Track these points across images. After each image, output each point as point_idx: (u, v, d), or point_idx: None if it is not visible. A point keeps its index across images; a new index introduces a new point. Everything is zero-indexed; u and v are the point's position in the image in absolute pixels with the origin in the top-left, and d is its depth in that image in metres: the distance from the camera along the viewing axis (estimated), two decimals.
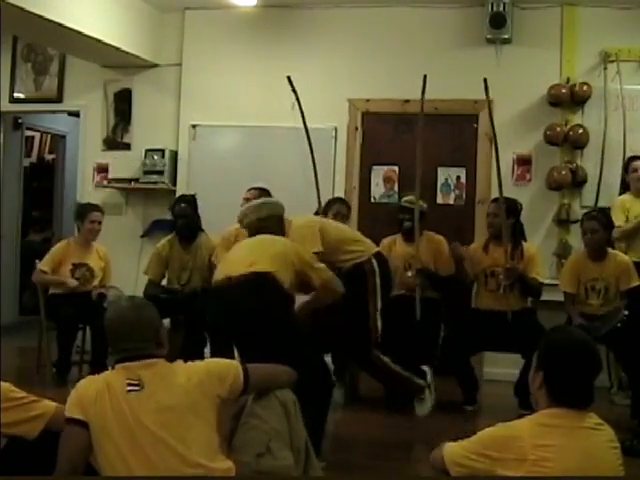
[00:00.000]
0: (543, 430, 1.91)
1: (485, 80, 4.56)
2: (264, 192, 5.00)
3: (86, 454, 2.14)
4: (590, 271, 4.53)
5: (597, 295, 4.53)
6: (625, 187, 5.07)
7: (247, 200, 4.94)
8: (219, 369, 2.33)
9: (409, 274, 4.74)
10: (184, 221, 5.10)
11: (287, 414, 2.45)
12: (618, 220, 4.76)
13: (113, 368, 2.27)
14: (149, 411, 2.14)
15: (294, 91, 4.86)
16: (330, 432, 3.87)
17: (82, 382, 2.25)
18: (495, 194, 5.25)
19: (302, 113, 4.97)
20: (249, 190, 4.98)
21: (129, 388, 2.17)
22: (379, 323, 4.18)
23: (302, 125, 5.13)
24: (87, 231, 5.24)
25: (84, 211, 5.30)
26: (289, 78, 4.82)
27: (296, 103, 5.00)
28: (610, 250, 4.54)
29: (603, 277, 4.50)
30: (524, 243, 4.74)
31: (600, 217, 4.50)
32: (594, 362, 1.99)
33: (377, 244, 5.02)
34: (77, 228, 5.35)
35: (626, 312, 4.31)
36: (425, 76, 4.57)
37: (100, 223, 5.26)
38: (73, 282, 5.12)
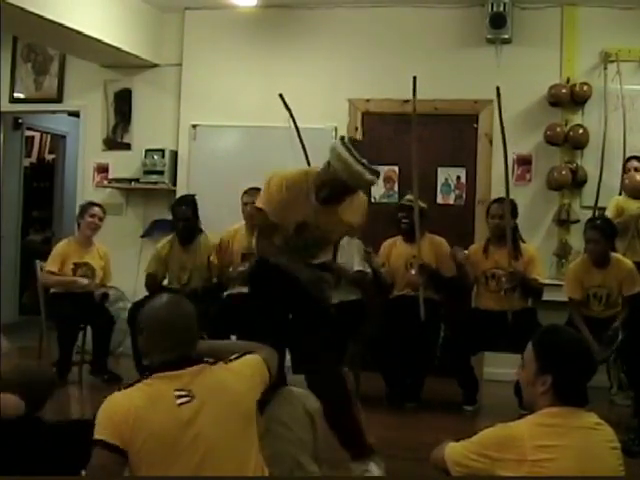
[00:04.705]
0: (543, 430, 1.91)
1: (498, 88, 4.55)
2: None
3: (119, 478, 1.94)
4: (593, 278, 4.51)
5: (599, 301, 4.52)
6: None
7: (246, 205, 4.94)
8: (257, 368, 2.21)
9: (412, 272, 4.73)
10: (184, 224, 5.10)
11: (313, 424, 2.42)
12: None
13: (147, 377, 2.03)
14: (205, 424, 1.96)
15: (288, 109, 4.86)
16: (329, 431, 3.87)
17: (113, 401, 1.98)
18: (495, 194, 5.27)
19: (297, 129, 4.96)
20: (247, 191, 4.96)
21: (179, 401, 1.96)
22: None
23: (302, 125, 5.14)
24: (85, 225, 5.23)
25: (84, 207, 5.33)
26: (281, 96, 4.82)
27: (290, 119, 4.98)
28: (613, 255, 4.52)
29: (606, 284, 4.48)
30: (522, 244, 4.74)
31: (603, 226, 4.48)
32: (594, 360, 2.05)
33: (377, 244, 5.05)
34: (77, 225, 5.35)
35: (621, 336, 4.25)
36: (415, 77, 4.56)
37: (101, 220, 5.26)
38: (84, 281, 5.11)
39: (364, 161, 3.03)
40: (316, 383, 3.07)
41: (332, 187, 3.15)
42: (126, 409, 1.93)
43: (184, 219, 5.10)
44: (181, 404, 1.96)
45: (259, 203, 3.30)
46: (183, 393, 1.98)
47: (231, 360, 2.20)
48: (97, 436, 1.92)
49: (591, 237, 4.48)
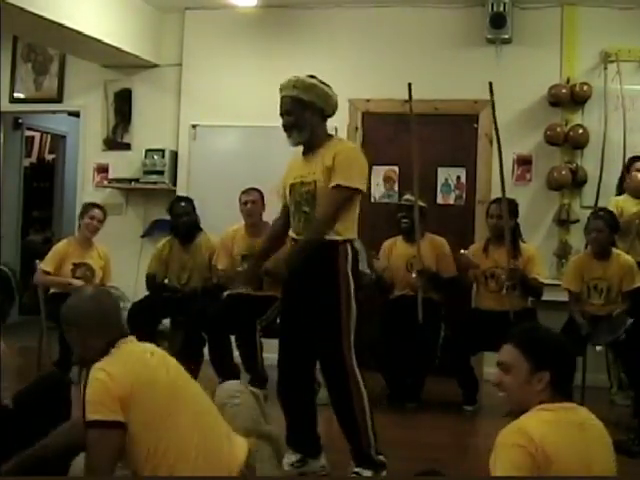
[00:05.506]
0: (547, 426, 1.90)
1: (490, 84, 4.56)
2: (260, 193, 4.99)
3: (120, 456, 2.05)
4: (594, 270, 4.53)
5: (599, 295, 4.53)
6: (622, 188, 5.06)
7: (245, 204, 4.94)
8: None
9: (413, 275, 4.73)
10: (185, 219, 5.10)
11: (258, 400, 2.72)
12: None
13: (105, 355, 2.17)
14: (179, 377, 2.19)
15: None
16: (329, 432, 3.87)
17: (99, 380, 2.03)
18: (495, 194, 5.27)
19: None
20: (246, 191, 4.96)
21: (147, 355, 2.19)
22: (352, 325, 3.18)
23: None
24: (84, 226, 5.23)
25: (85, 208, 5.34)
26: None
27: None
28: (614, 250, 4.54)
29: (606, 277, 4.49)
30: (522, 243, 4.74)
31: (607, 217, 4.51)
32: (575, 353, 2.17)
33: (377, 244, 5.05)
34: (78, 226, 5.36)
35: (631, 320, 4.24)
36: (410, 84, 4.59)
37: (100, 222, 5.25)
38: (78, 282, 5.11)
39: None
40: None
41: (285, 110, 3.45)
42: (118, 380, 2.02)
43: (185, 214, 5.11)
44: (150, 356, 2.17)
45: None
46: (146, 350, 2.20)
47: None
48: (93, 417, 1.98)
49: (595, 226, 4.49)
